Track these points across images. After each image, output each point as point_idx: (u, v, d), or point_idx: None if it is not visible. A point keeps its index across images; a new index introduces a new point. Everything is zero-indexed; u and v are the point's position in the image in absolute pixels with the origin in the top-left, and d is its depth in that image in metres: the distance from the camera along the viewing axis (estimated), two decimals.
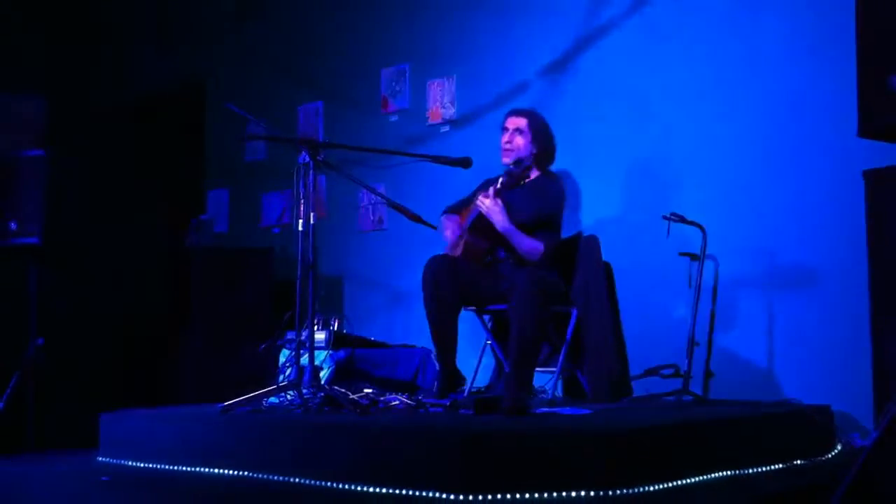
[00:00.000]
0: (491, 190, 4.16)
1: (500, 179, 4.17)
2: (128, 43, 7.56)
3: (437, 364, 4.33)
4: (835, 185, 4.18)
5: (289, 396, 3.68)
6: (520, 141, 4.34)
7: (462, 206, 4.50)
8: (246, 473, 3.09)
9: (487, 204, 4.14)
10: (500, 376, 4.46)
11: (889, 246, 3.48)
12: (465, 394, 4.20)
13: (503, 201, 4.18)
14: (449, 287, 4.10)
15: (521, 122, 4.36)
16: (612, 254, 4.38)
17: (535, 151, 4.35)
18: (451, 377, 4.18)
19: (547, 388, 4.23)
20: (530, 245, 4.18)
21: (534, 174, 4.38)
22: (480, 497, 2.54)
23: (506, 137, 4.36)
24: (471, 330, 4.52)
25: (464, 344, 4.27)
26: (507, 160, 4.34)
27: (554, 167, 4.49)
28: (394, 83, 5.91)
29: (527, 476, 2.60)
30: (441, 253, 4.28)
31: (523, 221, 4.21)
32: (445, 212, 4.55)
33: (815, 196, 4.29)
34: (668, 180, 4.76)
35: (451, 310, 4.15)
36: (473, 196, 4.35)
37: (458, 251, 4.27)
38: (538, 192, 4.32)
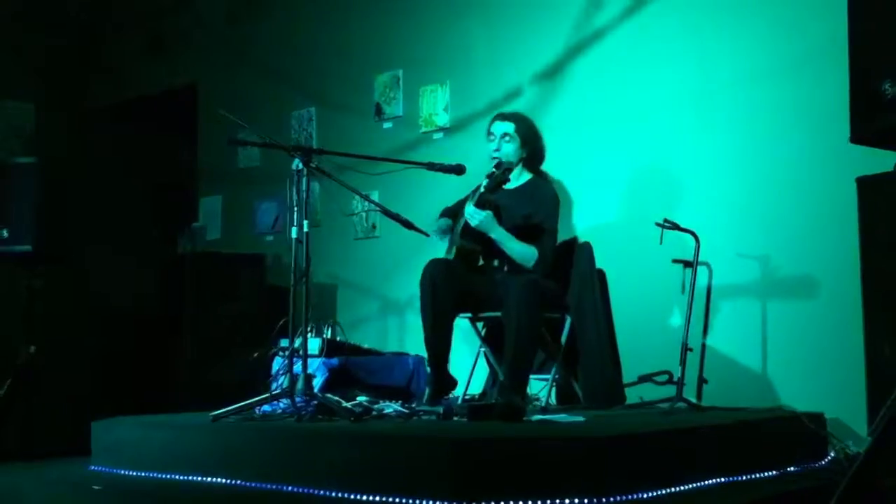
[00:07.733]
0: (476, 198, 4.15)
1: (482, 184, 4.16)
2: (120, 49, 7.55)
3: (428, 368, 4.29)
4: (827, 192, 4.18)
5: (282, 404, 3.67)
6: (509, 147, 4.33)
7: (456, 210, 4.48)
8: (239, 482, 3.07)
9: (477, 219, 4.10)
10: (493, 384, 4.45)
11: (882, 253, 3.48)
12: (459, 401, 4.18)
13: (494, 204, 4.17)
14: (446, 291, 4.06)
15: (509, 127, 4.33)
16: (605, 261, 4.38)
17: (524, 155, 4.35)
18: (443, 382, 4.15)
19: (541, 395, 4.23)
20: (524, 251, 4.16)
21: (525, 177, 4.38)
22: None
23: (494, 145, 4.34)
24: (464, 337, 4.51)
25: (457, 351, 4.26)
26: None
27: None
28: (387, 89, 5.91)
29: (520, 484, 2.59)
30: (438, 257, 4.26)
31: (516, 225, 4.20)
32: (442, 216, 4.52)
33: (807, 203, 4.30)
34: (661, 187, 4.77)
35: (447, 314, 4.11)
36: (464, 202, 4.33)
37: (451, 254, 4.25)
38: (531, 196, 4.31)
